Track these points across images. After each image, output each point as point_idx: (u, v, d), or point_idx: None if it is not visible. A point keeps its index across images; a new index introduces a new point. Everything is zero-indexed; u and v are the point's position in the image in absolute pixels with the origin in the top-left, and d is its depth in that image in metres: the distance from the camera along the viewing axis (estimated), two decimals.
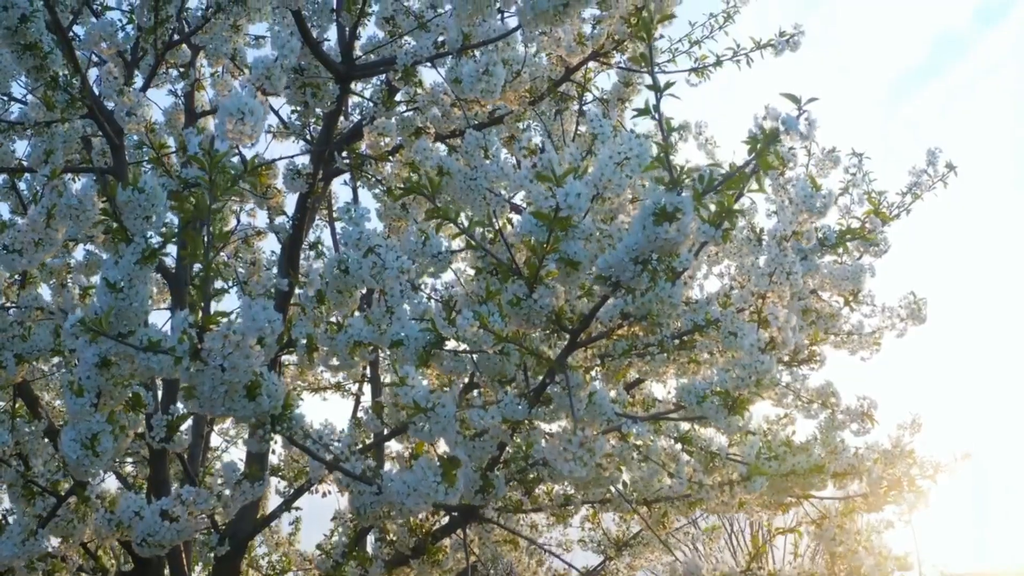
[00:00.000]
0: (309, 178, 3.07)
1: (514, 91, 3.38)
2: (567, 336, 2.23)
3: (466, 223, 2.32)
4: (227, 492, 2.64)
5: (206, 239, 2.08)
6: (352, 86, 3.17)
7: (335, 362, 2.77)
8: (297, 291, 3.08)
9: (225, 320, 1.99)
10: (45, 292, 3.15)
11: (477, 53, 2.78)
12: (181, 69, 3.60)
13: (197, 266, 2.14)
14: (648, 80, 2.00)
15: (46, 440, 3.01)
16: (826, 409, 3.09)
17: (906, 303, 3.62)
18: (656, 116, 2.06)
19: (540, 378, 2.29)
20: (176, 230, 2.79)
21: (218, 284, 4.39)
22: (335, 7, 3.05)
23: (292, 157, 3.05)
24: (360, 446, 2.42)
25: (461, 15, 2.74)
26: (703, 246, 2.36)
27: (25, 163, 3.13)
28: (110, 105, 2.91)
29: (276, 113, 3.37)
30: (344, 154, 3.12)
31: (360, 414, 3.85)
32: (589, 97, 3.88)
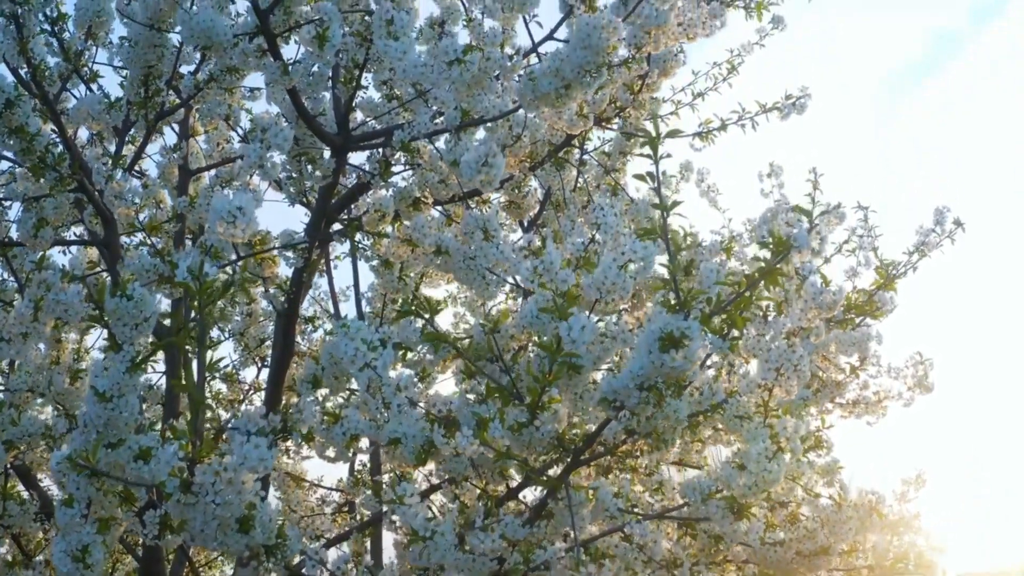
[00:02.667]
0: (304, 252, 3.00)
1: (513, 155, 3.30)
2: (569, 454, 2.17)
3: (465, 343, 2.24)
4: None
5: (196, 367, 2.02)
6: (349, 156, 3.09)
7: (331, 453, 2.71)
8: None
9: (216, 457, 1.92)
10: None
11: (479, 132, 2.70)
12: (175, 125, 3.52)
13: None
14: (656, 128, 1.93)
15: (36, 523, 2.96)
16: (833, 498, 3.03)
17: (912, 367, 3.55)
18: (666, 238, 1.99)
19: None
20: (169, 325, 2.73)
21: (214, 332, 4.34)
22: (331, 77, 2.97)
23: (287, 244, 2.98)
24: (353, 565, 2.36)
25: (459, 89, 2.66)
26: (709, 356, 2.30)
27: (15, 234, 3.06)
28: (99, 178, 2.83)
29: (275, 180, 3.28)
30: (340, 228, 3.04)
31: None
32: (590, 146, 3.81)
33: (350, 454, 2.62)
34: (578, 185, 3.82)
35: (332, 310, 3.76)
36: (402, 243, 2.90)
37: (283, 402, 3.20)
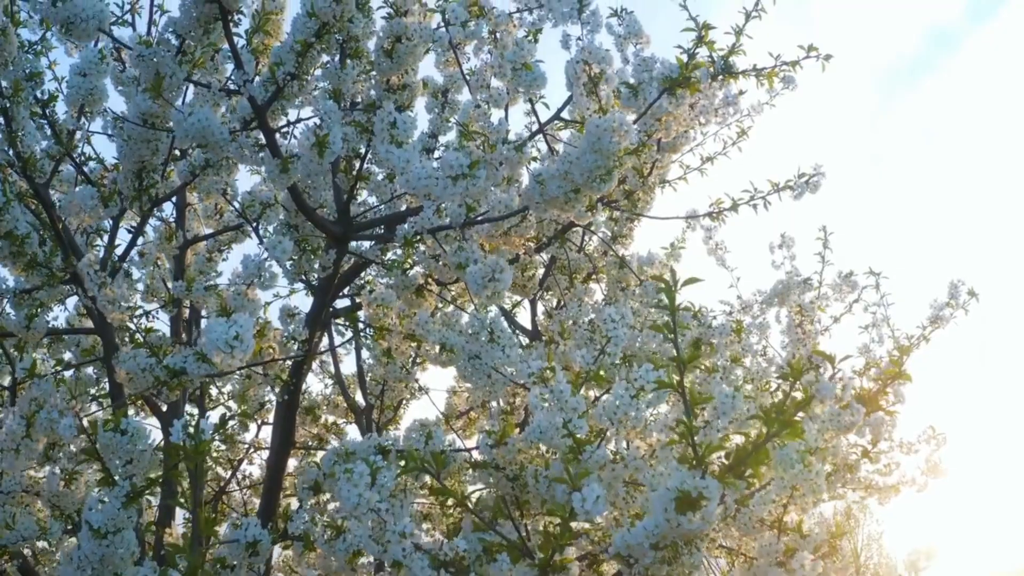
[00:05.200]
0: (305, 344, 2.91)
1: (519, 236, 3.21)
2: None
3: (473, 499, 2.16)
4: None
5: (192, 533, 1.94)
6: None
7: (334, 564, 2.64)
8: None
9: None
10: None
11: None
12: (173, 200, 3.43)
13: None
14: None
15: None
16: None
17: (925, 442, 3.48)
18: (682, 391, 1.91)
19: None
20: (163, 454, 2.63)
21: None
22: (332, 165, 2.87)
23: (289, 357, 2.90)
24: None
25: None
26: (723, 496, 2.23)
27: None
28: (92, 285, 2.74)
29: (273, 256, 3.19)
30: (343, 317, 2.96)
31: None
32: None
33: (354, 571, 2.54)
34: (583, 248, 3.74)
35: (332, 382, 3.68)
36: (405, 338, 2.82)
37: (282, 505, 3.13)
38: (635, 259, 3.83)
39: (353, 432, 4.30)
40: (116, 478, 2.17)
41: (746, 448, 2.00)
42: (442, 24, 3.05)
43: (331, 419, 4.17)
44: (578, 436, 2.26)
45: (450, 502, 2.80)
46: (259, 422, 4.29)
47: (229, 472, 4.26)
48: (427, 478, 2.73)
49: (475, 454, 2.92)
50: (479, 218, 2.70)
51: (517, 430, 2.53)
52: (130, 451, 2.18)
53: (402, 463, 2.58)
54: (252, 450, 4.31)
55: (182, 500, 3.03)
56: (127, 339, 2.74)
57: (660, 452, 2.27)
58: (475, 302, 2.60)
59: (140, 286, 3.80)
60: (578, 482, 1.88)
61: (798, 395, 2.11)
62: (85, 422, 2.19)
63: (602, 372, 2.48)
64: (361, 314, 3.16)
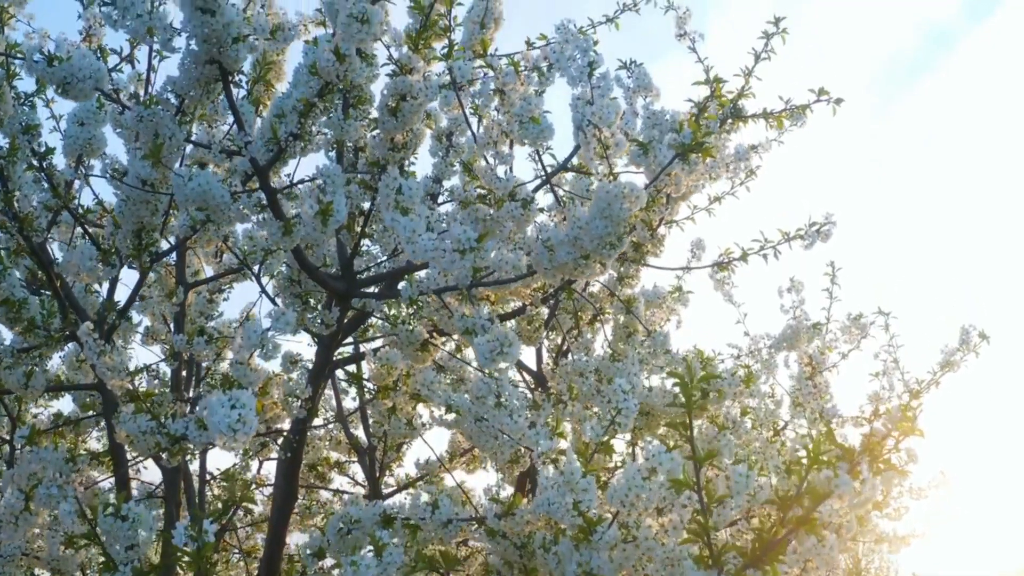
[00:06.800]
0: (307, 403, 2.87)
1: (525, 287, 3.16)
2: None
3: None
4: None
5: None
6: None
7: None
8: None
9: None
10: None
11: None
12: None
13: None
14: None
15: None
16: None
17: (934, 488, 3.44)
18: (699, 489, 1.86)
19: None
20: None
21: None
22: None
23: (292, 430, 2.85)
24: None
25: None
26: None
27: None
28: (91, 353, 2.69)
29: (273, 301, 3.14)
30: (345, 375, 2.91)
31: None
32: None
33: None
34: (587, 289, 3.68)
35: (334, 419, 3.63)
36: (410, 399, 2.77)
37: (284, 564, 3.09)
38: (641, 295, 3.78)
39: (356, 469, 4.27)
40: (117, 563, 2.13)
41: (763, 542, 1.95)
42: (445, 71, 2.99)
43: (334, 456, 4.13)
44: (588, 515, 2.23)
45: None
46: (260, 459, 4.26)
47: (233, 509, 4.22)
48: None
49: (480, 498, 2.88)
50: (486, 279, 2.65)
51: (525, 501, 2.48)
52: (131, 537, 2.13)
53: (408, 535, 2.55)
54: (254, 487, 4.27)
55: None
56: (127, 396, 2.70)
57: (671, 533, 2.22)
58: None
59: (141, 328, 3.75)
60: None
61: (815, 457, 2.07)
62: (86, 507, 2.13)
63: (611, 444, 2.43)
64: (364, 367, 3.11)
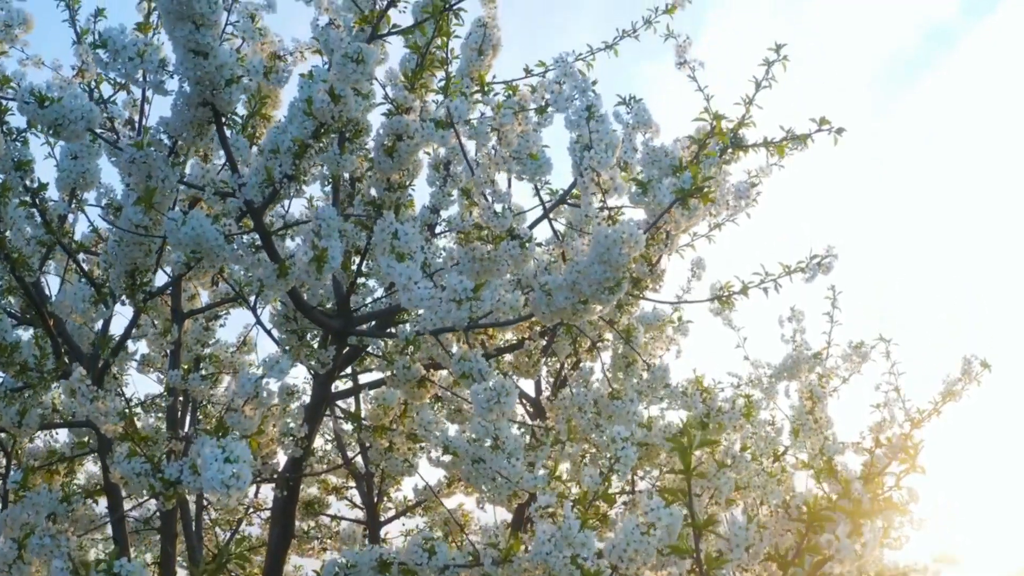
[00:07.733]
0: (304, 442, 2.84)
1: (523, 322, 3.13)
2: None
3: None
4: None
5: None
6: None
7: None
8: None
9: None
10: None
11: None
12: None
13: None
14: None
15: None
16: None
17: (936, 515, 3.41)
18: (697, 555, 1.84)
19: None
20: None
21: None
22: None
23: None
24: None
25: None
26: None
27: None
28: (84, 399, 2.66)
29: (269, 334, 3.11)
30: (343, 413, 2.88)
31: None
32: None
33: None
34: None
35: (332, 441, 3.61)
36: (407, 438, 2.75)
37: None
38: (640, 321, 3.74)
39: (352, 494, 4.24)
40: None
41: None
42: (442, 105, 2.95)
43: (332, 480, 4.10)
44: (587, 568, 2.21)
45: None
46: (258, 480, 4.23)
47: (228, 533, 4.20)
48: None
49: (474, 538, 2.85)
50: (483, 321, 2.62)
51: (523, 548, 2.45)
52: None
53: None
54: (252, 511, 4.25)
55: None
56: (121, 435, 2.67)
57: None
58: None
59: (137, 357, 3.72)
60: None
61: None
62: (79, 565, 2.11)
63: (610, 492, 2.41)
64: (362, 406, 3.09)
